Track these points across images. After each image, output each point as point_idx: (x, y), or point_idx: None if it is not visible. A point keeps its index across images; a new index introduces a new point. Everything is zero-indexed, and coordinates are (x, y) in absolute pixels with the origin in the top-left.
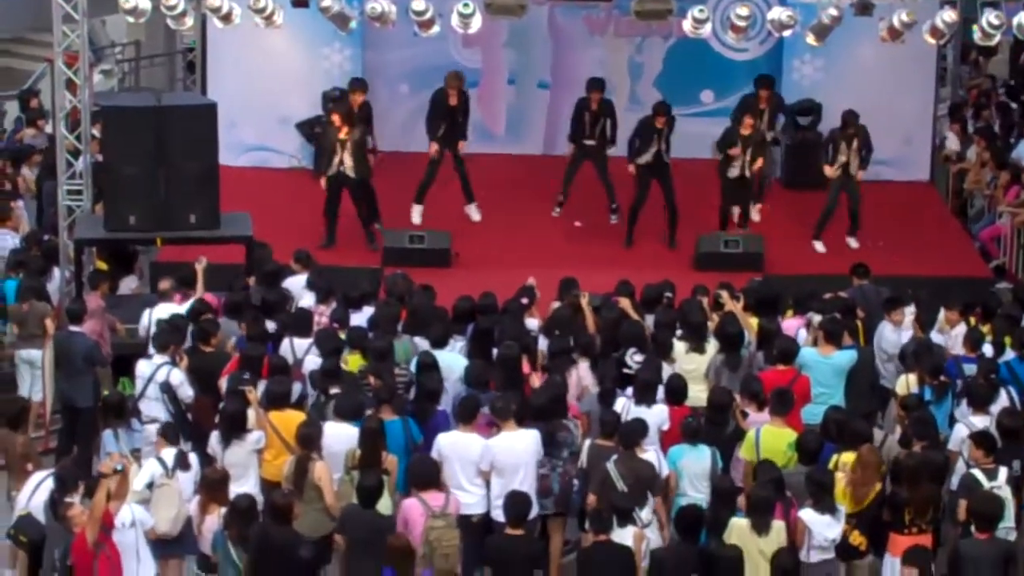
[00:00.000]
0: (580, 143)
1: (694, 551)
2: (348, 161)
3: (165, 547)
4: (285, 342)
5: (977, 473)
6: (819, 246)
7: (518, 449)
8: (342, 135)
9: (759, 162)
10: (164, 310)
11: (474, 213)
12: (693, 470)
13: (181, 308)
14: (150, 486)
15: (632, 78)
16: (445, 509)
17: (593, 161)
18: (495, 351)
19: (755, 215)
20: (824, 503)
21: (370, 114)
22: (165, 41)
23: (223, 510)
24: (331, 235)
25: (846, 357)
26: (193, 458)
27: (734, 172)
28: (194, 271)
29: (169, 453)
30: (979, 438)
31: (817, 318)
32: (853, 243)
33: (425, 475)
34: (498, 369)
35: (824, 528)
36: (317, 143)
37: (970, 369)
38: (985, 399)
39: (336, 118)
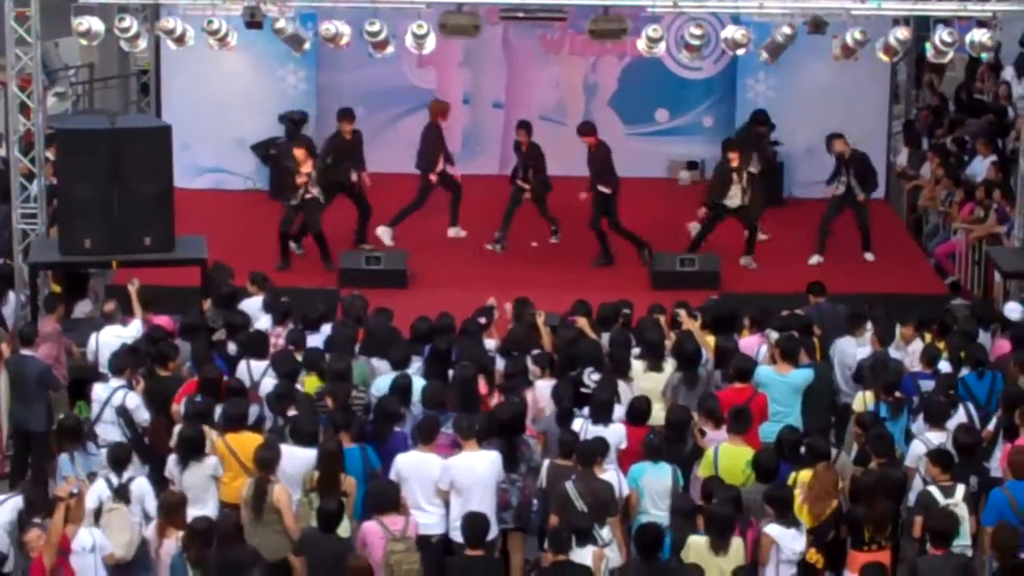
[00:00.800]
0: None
1: (654, 570)
2: (314, 190)
3: (119, 572)
4: (242, 364)
5: (933, 490)
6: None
7: (478, 469)
8: (305, 169)
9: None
10: (109, 333)
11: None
12: (654, 488)
13: (128, 330)
14: (98, 510)
15: (587, 97)
16: (404, 532)
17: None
18: (451, 372)
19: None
20: (787, 517)
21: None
22: (119, 63)
23: (181, 534)
24: (286, 257)
25: (803, 376)
26: (145, 483)
27: (735, 202)
28: (127, 293)
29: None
30: (936, 455)
31: (775, 335)
32: (869, 256)
33: (384, 499)
34: (455, 390)
35: (791, 541)
36: (273, 164)
37: (927, 385)
38: (941, 415)
39: (299, 153)
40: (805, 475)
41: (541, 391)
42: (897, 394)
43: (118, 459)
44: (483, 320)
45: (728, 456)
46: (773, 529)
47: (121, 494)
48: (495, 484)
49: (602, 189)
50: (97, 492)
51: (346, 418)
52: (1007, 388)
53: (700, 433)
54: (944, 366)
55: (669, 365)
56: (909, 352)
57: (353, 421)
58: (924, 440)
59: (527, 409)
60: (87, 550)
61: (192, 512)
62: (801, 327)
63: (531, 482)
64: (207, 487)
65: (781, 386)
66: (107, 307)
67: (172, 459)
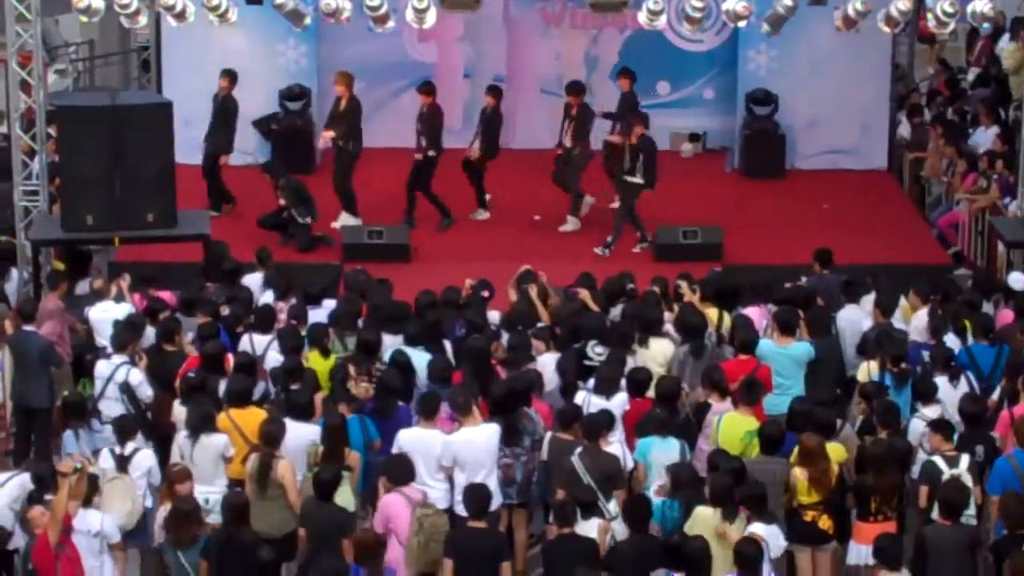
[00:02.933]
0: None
1: (655, 543)
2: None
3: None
4: (245, 339)
5: (938, 460)
6: None
7: (479, 443)
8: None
9: None
10: (99, 309)
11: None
12: (663, 462)
13: (118, 307)
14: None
15: (588, 70)
16: (425, 499)
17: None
18: (447, 343)
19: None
20: (765, 513)
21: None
22: (119, 40)
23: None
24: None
25: (803, 349)
26: (151, 455)
27: None
28: (120, 289)
29: (127, 447)
30: (936, 425)
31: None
32: None
33: (401, 471)
34: (467, 362)
35: (775, 539)
36: (274, 140)
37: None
38: (929, 392)
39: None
40: None
41: (544, 365)
42: (903, 365)
43: (124, 430)
44: (486, 293)
45: (729, 424)
46: (759, 528)
47: (123, 465)
48: (496, 456)
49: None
50: (101, 462)
51: (349, 393)
52: (1012, 356)
53: (704, 405)
54: (949, 338)
55: (663, 341)
56: (913, 322)
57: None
58: (921, 416)
59: (537, 382)
60: (91, 533)
61: (199, 491)
62: (804, 299)
63: (534, 457)
64: (216, 466)
65: (782, 358)
66: (96, 283)
67: (182, 434)
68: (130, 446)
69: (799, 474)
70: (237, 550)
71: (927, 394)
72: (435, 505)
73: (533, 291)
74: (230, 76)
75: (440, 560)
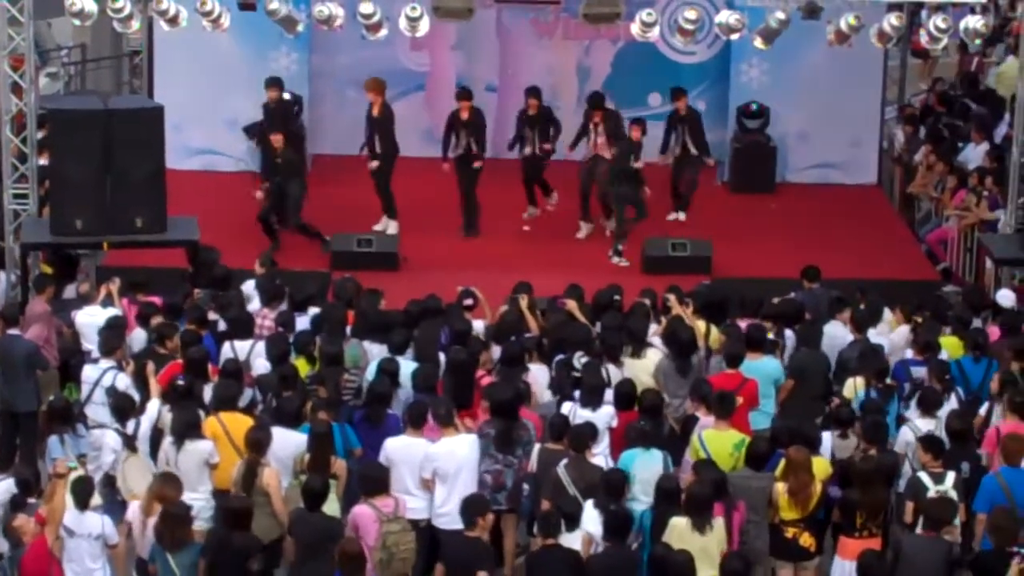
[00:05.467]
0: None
1: (633, 556)
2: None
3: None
4: (226, 346)
5: (924, 476)
6: None
7: (459, 454)
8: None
9: None
10: (86, 313)
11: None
12: (645, 475)
13: (104, 311)
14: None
15: (580, 81)
16: (396, 512)
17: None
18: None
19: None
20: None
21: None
22: (111, 44)
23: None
24: (275, 239)
25: (772, 365)
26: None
27: None
28: (110, 292)
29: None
30: (927, 442)
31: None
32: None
33: (374, 481)
34: (448, 373)
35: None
36: (263, 147)
37: (917, 372)
38: (934, 403)
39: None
40: None
41: (534, 375)
42: (888, 381)
43: (122, 409)
44: (469, 302)
45: (714, 440)
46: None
47: (131, 443)
48: (476, 466)
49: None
50: (111, 444)
51: (333, 401)
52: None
53: (690, 419)
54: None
55: (652, 352)
56: (892, 337)
57: (338, 405)
58: (913, 427)
59: (528, 393)
60: (92, 536)
61: (186, 496)
62: (793, 313)
63: (525, 465)
64: (200, 473)
65: (755, 373)
66: (82, 288)
67: (167, 441)
68: (130, 425)
69: (781, 489)
70: (235, 552)
71: (932, 404)
72: (404, 520)
73: (524, 302)
74: (278, 85)
75: (404, 574)
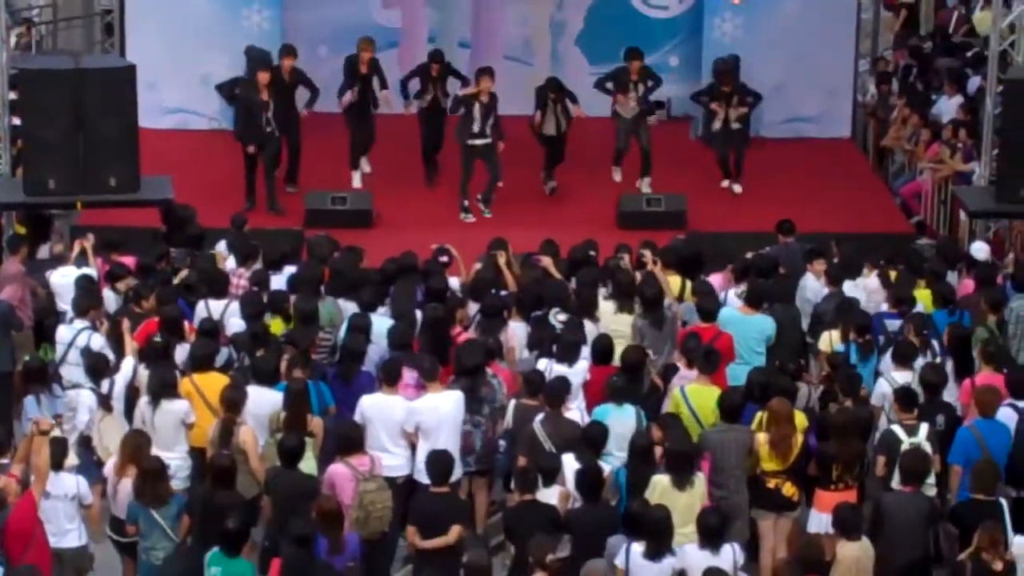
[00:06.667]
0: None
1: (610, 512)
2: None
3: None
4: (200, 304)
5: (897, 429)
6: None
7: (444, 410)
8: (265, 97)
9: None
10: (59, 274)
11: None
12: (618, 430)
13: (79, 271)
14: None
15: (553, 36)
16: (372, 471)
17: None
18: (419, 312)
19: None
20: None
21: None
22: (83, 3)
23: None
24: (251, 197)
25: (765, 321)
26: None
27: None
28: (84, 249)
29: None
30: (901, 394)
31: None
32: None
33: (349, 440)
34: (424, 331)
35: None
36: (237, 104)
37: (892, 325)
38: (909, 355)
39: (263, 77)
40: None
41: (512, 330)
42: (868, 336)
43: (96, 368)
44: (444, 259)
45: (698, 396)
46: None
47: (106, 402)
48: (459, 423)
49: None
50: (87, 403)
51: (303, 358)
52: (956, 326)
53: (669, 370)
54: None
55: (639, 306)
56: (863, 290)
57: (310, 362)
58: (889, 379)
59: (499, 348)
60: (68, 497)
61: (161, 456)
62: (767, 267)
63: (495, 425)
64: (176, 432)
65: (745, 328)
66: (56, 248)
67: (143, 400)
68: (105, 385)
69: (762, 439)
70: (220, 511)
71: (907, 356)
72: (380, 478)
73: (502, 259)
74: (291, 53)
75: (381, 531)
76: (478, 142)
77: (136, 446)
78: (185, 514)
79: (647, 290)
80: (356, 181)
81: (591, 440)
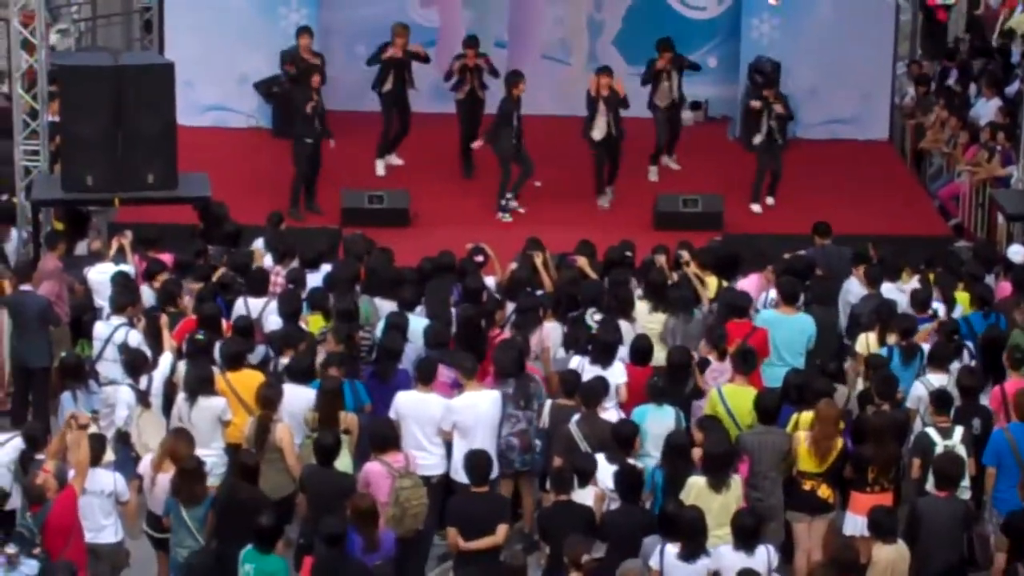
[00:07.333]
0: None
1: (647, 514)
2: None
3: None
4: (239, 302)
5: (931, 432)
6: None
7: (480, 409)
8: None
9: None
10: (97, 270)
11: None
12: (657, 431)
13: (117, 268)
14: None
15: (591, 36)
16: (407, 468)
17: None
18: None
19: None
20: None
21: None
22: (122, 1)
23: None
24: (297, 202)
25: (805, 320)
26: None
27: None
28: (122, 246)
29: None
30: (935, 397)
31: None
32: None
33: (384, 437)
34: (459, 329)
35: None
36: (276, 102)
37: (924, 328)
38: (946, 358)
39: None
40: (807, 417)
41: (547, 331)
42: (911, 339)
43: (135, 365)
44: (479, 258)
45: (735, 396)
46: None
47: (145, 399)
48: (496, 423)
49: None
50: (125, 399)
51: (341, 358)
52: (992, 328)
53: (703, 363)
54: (938, 308)
55: (671, 306)
56: (903, 292)
57: (351, 361)
58: (925, 382)
59: (527, 349)
60: (104, 493)
61: (198, 453)
62: (803, 269)
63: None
64: (214, 429)
65: (787, 328)
66: (94, 245)
67: (180, 396)
68: (143, 381)
69: (802, 438)
70: (243, 506)
71: (943, 359)
72: (416, 475)
73: (539, 259)
74: (307, 32)
75: (416, 529)
76: (517, 144)
77: (178, 443)
78: (210, 511)
79: (680, 290)
80: (380, 170)
81: (621, 439)
